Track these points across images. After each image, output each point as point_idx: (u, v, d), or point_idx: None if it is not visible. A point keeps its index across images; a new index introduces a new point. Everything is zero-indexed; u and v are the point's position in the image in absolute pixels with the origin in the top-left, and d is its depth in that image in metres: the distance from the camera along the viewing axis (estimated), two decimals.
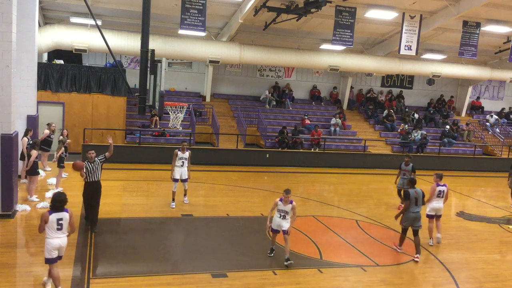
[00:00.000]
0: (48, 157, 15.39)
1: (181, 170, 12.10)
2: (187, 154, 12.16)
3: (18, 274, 7.72)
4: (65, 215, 6.84)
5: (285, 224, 8.70)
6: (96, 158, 9.97)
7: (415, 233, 9.55)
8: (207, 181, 15.22)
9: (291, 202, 8.66)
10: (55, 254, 6.86)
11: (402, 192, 11.90)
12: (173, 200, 12.21)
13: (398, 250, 9.84)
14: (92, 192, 9.76)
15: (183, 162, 12.10)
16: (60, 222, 6.80)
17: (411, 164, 13.36)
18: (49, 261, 6.89)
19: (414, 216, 9.50)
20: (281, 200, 8.69)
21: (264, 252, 9.32)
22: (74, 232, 7.17)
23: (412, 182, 9.82)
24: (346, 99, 25.82)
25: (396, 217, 9.83)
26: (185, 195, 12.51)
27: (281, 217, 8.71)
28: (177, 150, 12.19)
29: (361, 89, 26.87)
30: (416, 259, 9.36)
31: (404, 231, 9.72)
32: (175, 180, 12.15)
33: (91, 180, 9.74)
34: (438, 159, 21.98)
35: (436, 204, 10.55)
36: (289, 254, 8.67)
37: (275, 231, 8.91)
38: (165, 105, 15.02)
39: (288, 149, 20.51)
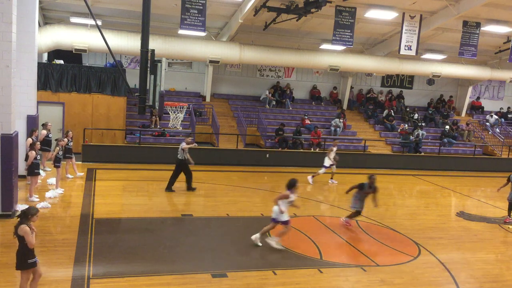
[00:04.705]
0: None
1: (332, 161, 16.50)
2: (336, 148, 16.77)
3: (18, 274, 7.69)
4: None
5: None
6: None
7: None
8: (207, 181, 15.22)
9: None
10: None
11: None
12: (314, 176, 16.51)
13: None
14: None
15: (334, 154, 16.50)
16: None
17: None
18: (274, 220, 9.45)
19: None
20: None
21: (264, 252, 9.32)
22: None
23: None
24: (346, 99, 25.83)
25: None
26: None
27: None
28: (331, 146, 16.75)
29: (361, 89, 26.87)
30: None
31: None
32: (327, 167, 16.53)
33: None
34: (438, 159, 21.99)
35: None
36: None
37: None
38: (165, 105, 15.03)
39: (288, 149, 20.51)
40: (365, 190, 11.03)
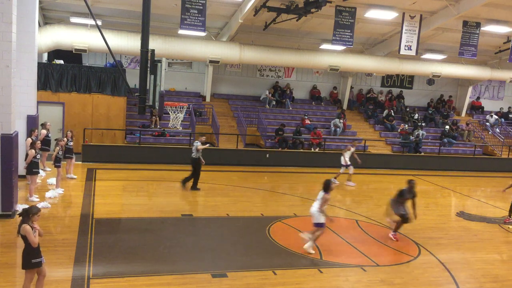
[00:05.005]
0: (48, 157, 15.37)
1: (348, 161, 16.61)
2: (354, 149, 16.95)
3: (18, 274, 7.70)
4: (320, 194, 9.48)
5: None
6: None
7: None
8: (207, 181, 15.21)
9: None
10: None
11: None
12: (350, 180, 16.65)
13: None
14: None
15: (352, 153, 16.73)
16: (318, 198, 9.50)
17: None
18: (322, 225, 9.37)
19: None
20: None
21: (264, 252, 9.32)
22: None
23: None
24: (346, 99, 25.82)
25: None
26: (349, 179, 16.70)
27: None
28: (350, 146, 17.02)
29: (361, 89, 26.87)
30: None
31: None
32: (349, 166, 16.59)
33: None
34: (438, 159, 21.99)
35: None
36: None
37: None
38: (165, 105, 15.03)
39: (288, 149, 20.51)
40: (405, 197, 10.52)
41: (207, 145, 14.53)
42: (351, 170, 16.58)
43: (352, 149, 16.78)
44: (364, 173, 18.92)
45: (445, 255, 9.84)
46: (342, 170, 16.61)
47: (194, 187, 14.11)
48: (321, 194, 9.44)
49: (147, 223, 10.79)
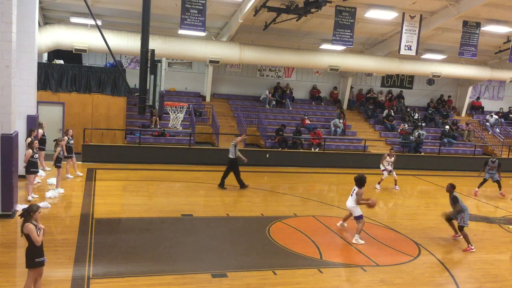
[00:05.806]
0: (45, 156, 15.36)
1: (388, 168, 16.32)
2: (393, 158, 16.43)
3: (18, 274, 7.71)
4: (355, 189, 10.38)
5: None
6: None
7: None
8: (207, 181, 15.22)
9: None
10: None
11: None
12: (379, 183, 16.49)
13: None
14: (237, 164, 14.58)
15: (389, 163, 16.34)
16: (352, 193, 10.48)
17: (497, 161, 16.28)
18: (361, 217, 10.22)
19: None
20: None
21: (264, 252, 9.32)
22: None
23: None
24: (346, 99, 25.83)
25: None
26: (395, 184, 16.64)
27: None
28: (386, 154, 16.61)
29: (361, 89, 26.87)
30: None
31: None
32: (385, 171, 16.37)
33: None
34: (438, 159, 21.99)
35: None
36: None
37: None
38: (165, 105, 15.04)
39: (288, 149, 20.51)
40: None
41: (244, 135, 15.66)
42: (385, 175, 16.36)
43: (388, 158, 16.42)
44: (364, 173, 18.87)
45: (445, 255, 9.84)
46: (394, 175, 16.38)
47: (243, 185, 14.66)
48: (355, 189, 10.31)
49: (147, 223, 10.78)
